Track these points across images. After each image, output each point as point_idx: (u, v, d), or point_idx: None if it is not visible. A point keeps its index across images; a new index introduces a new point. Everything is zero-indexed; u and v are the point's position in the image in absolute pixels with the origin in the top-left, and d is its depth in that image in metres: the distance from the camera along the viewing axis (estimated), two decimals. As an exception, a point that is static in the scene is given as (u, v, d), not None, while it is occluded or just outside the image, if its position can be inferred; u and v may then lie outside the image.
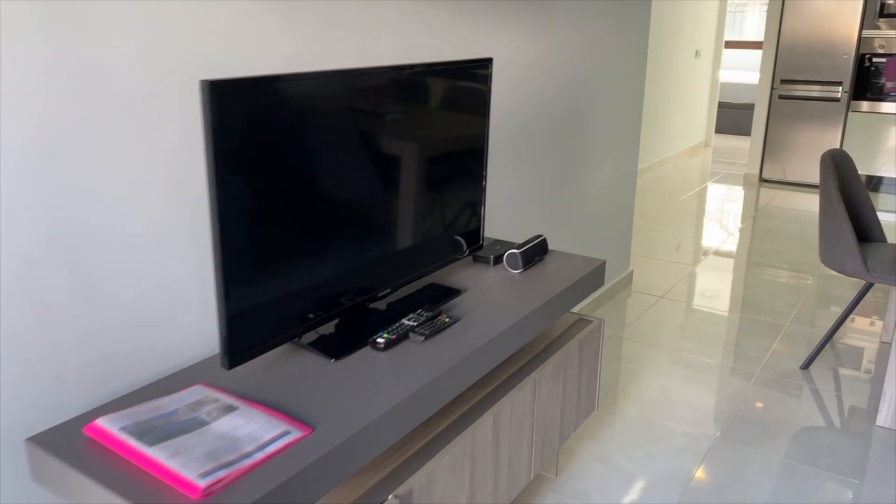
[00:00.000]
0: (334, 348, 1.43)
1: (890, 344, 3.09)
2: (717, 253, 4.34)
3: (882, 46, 5.63)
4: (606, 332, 3.21)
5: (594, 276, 2.03)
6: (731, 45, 10.64)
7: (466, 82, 1.77)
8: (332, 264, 1.44)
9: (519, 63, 2.48)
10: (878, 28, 5.60)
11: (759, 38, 10.11)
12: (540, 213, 2.80)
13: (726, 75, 9.83)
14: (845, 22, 5.66)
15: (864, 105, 5.77)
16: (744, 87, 9.15)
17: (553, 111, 2.75)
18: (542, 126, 2.70)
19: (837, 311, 3.46)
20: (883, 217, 5.13)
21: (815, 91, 5.90)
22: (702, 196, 5.79)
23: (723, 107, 9.11)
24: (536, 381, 1.76)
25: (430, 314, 1.57)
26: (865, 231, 2.96)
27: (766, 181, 6.30)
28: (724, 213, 5.28)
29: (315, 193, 1.35)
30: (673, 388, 2.72)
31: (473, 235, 1.97)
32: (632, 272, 3.80)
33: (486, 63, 1.80)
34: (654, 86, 6.46)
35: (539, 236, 2.05)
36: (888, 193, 5.86)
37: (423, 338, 1.49)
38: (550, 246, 2.95)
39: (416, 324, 1.52)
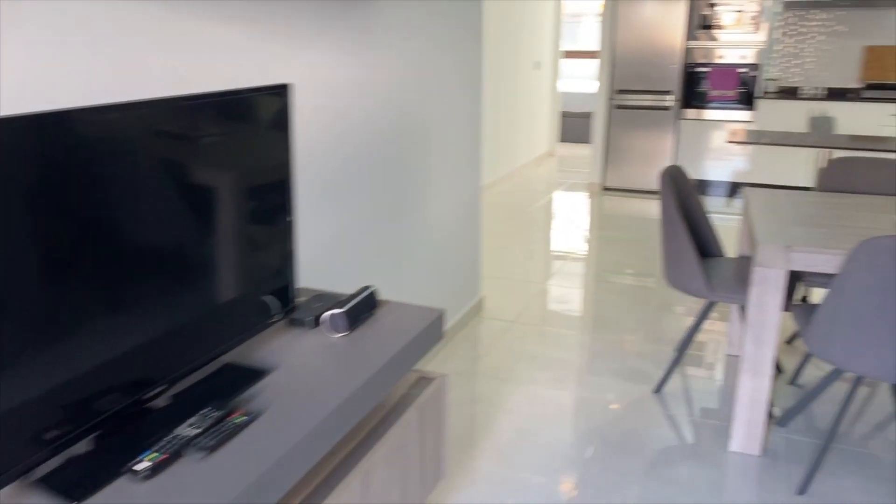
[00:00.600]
0: (75, 484, 1.06)
1: (737, 357, 3.11)
2: (567, 267, 4.28)
3: (704, 57, 5.90)
4: (458, 369, 2.99)
5: (432, 329, 1.78)
6: (569, 54, 10.97)
7: (259, 113, 1.46)
8: (81, 354, 1.07)
9: (336, 87, 2.19)
10: (700, 39, 5.87)
11: (596, 48, 10.51)
12: (373, 251, 2.53)
13: (566, 85, 10.09)
14: (671, 33, 5.88)
15: (692, 113, 6.03)
16: (584, 97, 9.43)
17: (381, 136, 2.48)
18: (370, 154, 2.42)
19: (686, 321, 3.46)
20: (713, 216, 5.36)
21: (648, 100, 6.09)
22: (550, 208, 5.79)
23: (565, 116, 9.34)
24: (366, 474, 1.47)
25: (219, 414, 1.24)
26: (705, 246, 2.94)
27: (609, 189, 6.44)
28: (571, 225, 5.28)
29: (61, 255, 0.98)
30: (529, 429, 2.54)
31: (283, 293, 1.65)
32: (482, 298, 3.62)
33: (281, 90, 1.49)
34: (497, 99, 6.42)
35: (367, 288, 1.77)
36: (716, 195, 6.15)
37: (205, 452, 1.15)
38: (388, 289, 2.67)
39: (198, 431, 1.18)
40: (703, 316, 2.72)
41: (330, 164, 2.20)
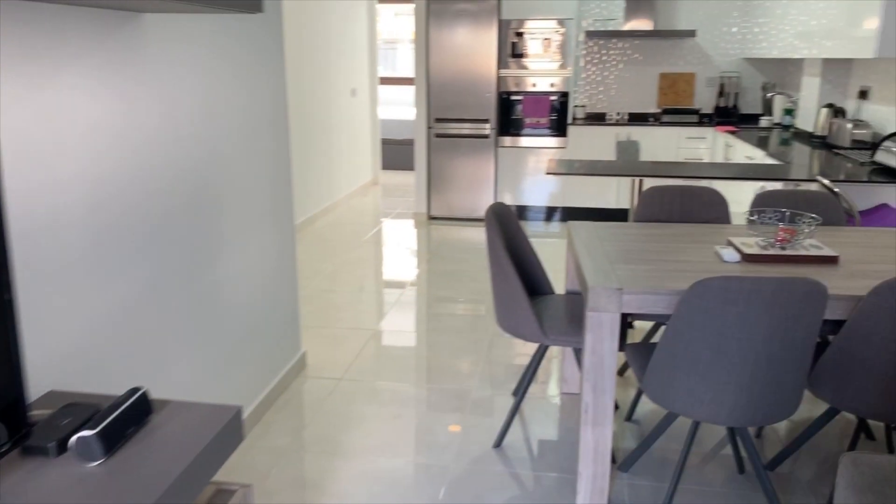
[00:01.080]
0: None
1: (572, 395, 3.01)
2: (399, 306, 4.04)
3: (517, 85, 5.99)
4: (279, 445, 2.61)
5: (227, 433, 1.42)
6: (386, 81, 10.90)
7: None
8: None
9: (93, 129, 1.77)
10: (511, 67, 5.94)
11: (412, 74, 10.51)
12: (157, 328, 2.10)
13: (386, 112, 9.98)
14: (484, 61, 5.91)
15: (508, 140, 6.08)
16: (405, 123, 9.35)
17: (160, 186, 2.07)
18: (146, 209, 2.01)
19: (521, 357, 3.33)
20: (534, 241, 5.40)
21: (467, 129, 6.06)
22: (378, 240, 5.54)
23: (387, 143, 9.19)
24: None
25: None
26: (535, 284, 2.82)
27: (435, 218, 6.32)
28: (400, 258, 5.06)
29: None
30: (362, 511, 2.23)
31: (11, 412, 1.22)
32: (304, 354, 3.26)
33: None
34: (315, 128, 6.08)
35: (135, 391, 1.38)
36: (535, 220, 6.25)
37: None
38: (180, 373, 2.25)
39: None
40: (538, 361, 2.57)
41: (90, 227, 1.77)
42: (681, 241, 2.56)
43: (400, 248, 5.38)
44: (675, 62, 6.24)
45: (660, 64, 6.27)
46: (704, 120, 6.05)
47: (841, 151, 4.02)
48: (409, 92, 10.58)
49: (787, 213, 2.74)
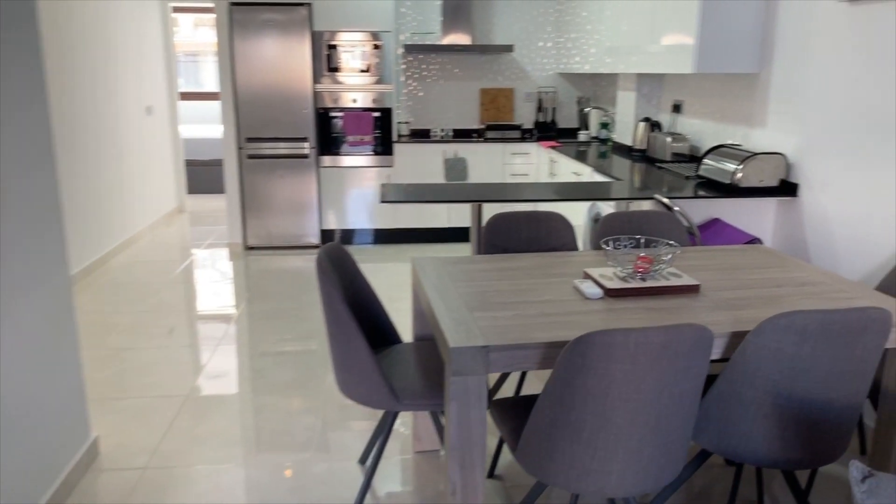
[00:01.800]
0: None
1: (427, 452, 2.66)
2: (217, 359, 3.46)
3: (336, 101, 5.59)
4: (61, 577, 1.99)
5: None
6: (190, 96, 9.99)
7: None
8: None
9: None
10: (327, 82, 5.54)
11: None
12: None
13: (192, 130, 9.10)
14: (299, 76, 5.44)
15: (330, 160, 5.66)
16: (214, 142, 8.56)
17: None
18: None
19: (367, 420, 2.93)
20: (367, 268, 5.03)
21: (284, 148, 5.56)
22: (187, 278, 4.86)
23: (193, 165, 8.36)
24: None
25: None
26: (380, 334, 2.44)
27: (254, 248, 5.73)
28: (214, 300, 4.44)
29: None
30: None
31: None
32: (96, 440, 2.62)
33: None
34: (103, 154, 5.24)
35: None
36: (363, 244, 5.89)
37: None
38: None
39: None
40: (389, 430, 2.20)
41: None
42: (536, 276, 2.32)
43: (214, 286, 4.75)
44: (494, 77, 6.18)
45: (479, 79, 6.18)
46: (526, 135, 6.04)
47: (664, 165, 4.08)
48: (216, 108, 9.75)
49: (642, 240, 2.61)
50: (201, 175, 8.36)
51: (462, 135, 6.14)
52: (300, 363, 3.47)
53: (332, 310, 2.02)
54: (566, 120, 6.31)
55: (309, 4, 5.36)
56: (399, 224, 5.86)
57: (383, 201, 3.13)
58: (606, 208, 3.81)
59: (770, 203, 3.41)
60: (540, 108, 6.18)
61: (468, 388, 1.76)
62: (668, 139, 4.20)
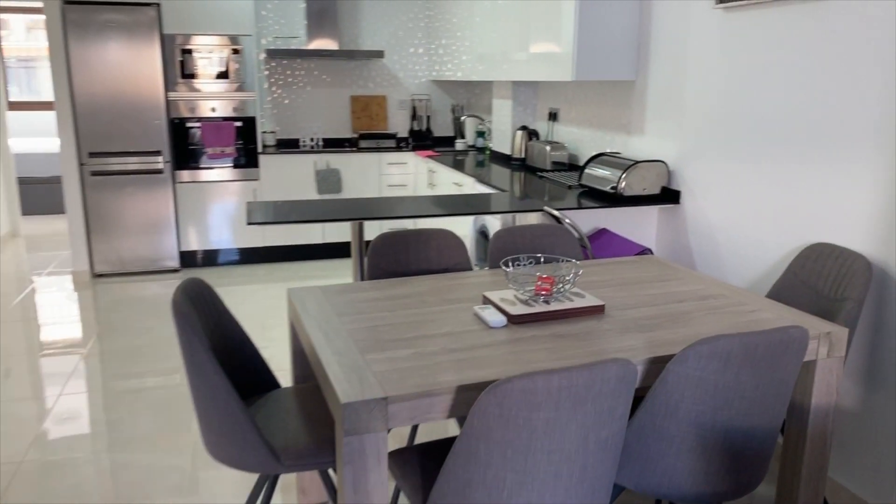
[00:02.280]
0: None
1: (312, 505, 2.36)
2: (59, 417, 2.95)
3: (192, 110, 5.11)
4: None
5: None
6: (22, 106, 8.95)
7: None
8: None
9: None
10: (182, 90, 5.05)
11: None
12: None
13: (25, 144, 8.13)
14: (149, 83, 4.91)
15: (188, 174, 5.17)
16: (52, 158, 7.67)
17: None
18: None
19: (242, 480, 2.57)
20: (235, 292, 4.61)
21: (134, 163, 5.00)
22: (25, 314, 4.21)
23: (28, 183, 7.46)
24: None
25: None
26: (254, 379, 2.11)
27: (103, 275, 5.11)
28: (57, 338, 3.86)
29: None
30: None
31: None
32: None
33: None
34: None
35: None
36: (228, 265, 5.43)
37: None
38: None
39: None
40: (269, 496, 1.88)
41: None
42: (432, 303, 2.09)
43: (57, 320, 4.14)
44: (364, 84, 5.92)
45: (349, 86, 5.89)
46: (402, 144, 5.83)
47: (545, 175, 4.00)
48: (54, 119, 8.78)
49: (542, 259, 2.45)
50: (39, 194, 7.47)
51: (333, 144, 5.83)
52: (162, 407, 3.04)
53: (193, 362, 1.68)
54: (441, 128, 6.16)
55: (157, 5, 4.85)
56: (269, 242, 5.45)
57: (250, 223, 2.79)
58: (493, 221, 3.66)
59: (654, 211, 3.39)
60: (414, 116, 5.99)
61: (365, 449, 1.49)
62: (547, 148, 4.13)
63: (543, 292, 2.05)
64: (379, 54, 5.52)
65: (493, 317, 1.92)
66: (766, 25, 2.64)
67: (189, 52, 5.00)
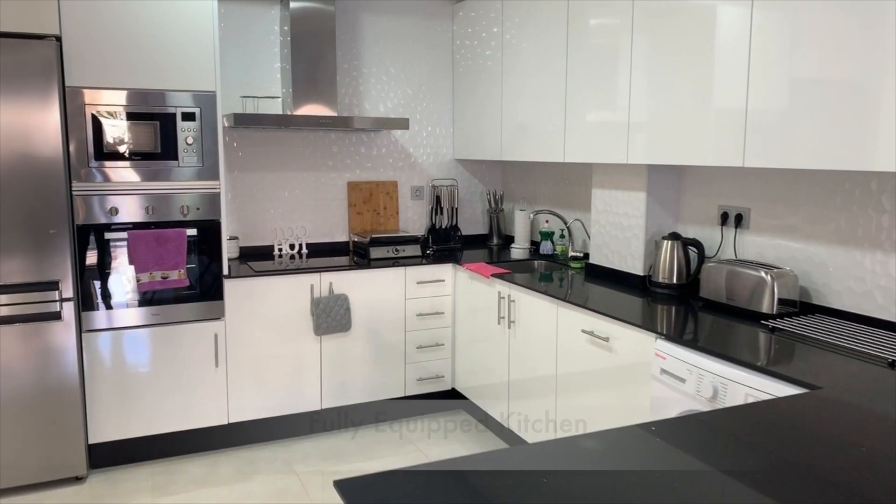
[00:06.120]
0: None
1: None
2: None
3: (113, 211, 3.11)
4: None
5: None
6: None
7: None
8: None
9: None
10: (97, 180, 3.07)
11: None
12: None
13: None
14: (40, 168, 2.89)
15: (102, 318, 3.13)
16: None
17: None
18: None
19: None
20: None
21: (11, 302, 2.90)
22: None
23: None
24: None
25: None
26: None
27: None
28: None
29: None
30: None
31: None
32: None
33: None
34: None
35: None
36: (162, 459, 3.36)
37: None
38: None
39: None
40: None
41: None
42: None
43: None
44: (367, 165, 4.14)
45: (348, 168, 4.08)
46: (427, 251, 4.04)
47: (773, 323, 2.36)
48: None
49: None
50: None
51: (322, 253, 3.96)
52: None
53: None
54: (470, 224, 4.45)
55: (55, 38, 2.90)
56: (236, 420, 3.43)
57: None
58: None
59: None
60: (436, 209, 4.24)
61: None
62: (767, 276, 2.50)
63: None
64: (402, 123, 3.77)
65: None
66: None
67: (110, 115, 3.04)
